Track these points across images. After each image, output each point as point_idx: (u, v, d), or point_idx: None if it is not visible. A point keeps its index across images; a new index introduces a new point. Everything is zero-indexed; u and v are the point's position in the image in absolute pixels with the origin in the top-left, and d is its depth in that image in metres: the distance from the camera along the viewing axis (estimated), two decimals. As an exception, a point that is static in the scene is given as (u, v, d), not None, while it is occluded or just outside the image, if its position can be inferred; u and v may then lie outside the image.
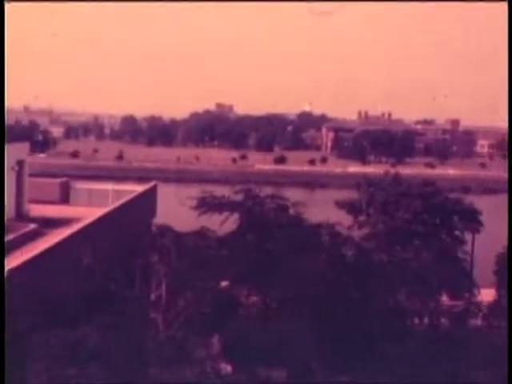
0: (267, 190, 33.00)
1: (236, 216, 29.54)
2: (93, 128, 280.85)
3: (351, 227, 34.38)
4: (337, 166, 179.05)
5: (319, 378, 25.78)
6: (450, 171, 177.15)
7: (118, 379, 19.42)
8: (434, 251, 33.14)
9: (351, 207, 36.67)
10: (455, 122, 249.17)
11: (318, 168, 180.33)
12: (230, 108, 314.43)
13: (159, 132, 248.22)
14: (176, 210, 35.07)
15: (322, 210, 37.13)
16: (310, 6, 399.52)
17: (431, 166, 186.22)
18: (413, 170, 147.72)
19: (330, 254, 28.57)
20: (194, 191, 31.99)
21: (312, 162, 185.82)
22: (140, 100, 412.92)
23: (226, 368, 26.43)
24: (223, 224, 29.53)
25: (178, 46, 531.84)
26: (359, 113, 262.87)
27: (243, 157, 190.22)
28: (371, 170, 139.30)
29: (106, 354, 19.39)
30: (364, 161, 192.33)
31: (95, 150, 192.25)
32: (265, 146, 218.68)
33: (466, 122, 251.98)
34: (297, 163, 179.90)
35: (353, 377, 25.84)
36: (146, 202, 34.95)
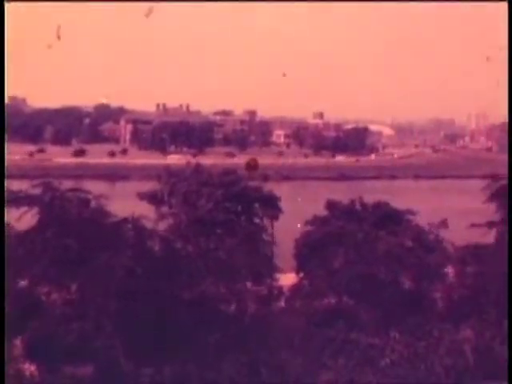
0: (68, 184, 32.02)
1: (35, 211, 28.48)
2: None
3: (156, 219, 34.19)
4: (138, 158, 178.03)
5: (127, 372, 25.53)
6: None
7: None
8: (237, 238, 33.61)
9: (153, 198, 36.58)
10: (252, 113, 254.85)
11: (119, 160, 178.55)
12: (24, 101, 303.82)
13: None
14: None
15: (124, 202, 36.62)
16: None
17: (231, 155, 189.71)
18: (213, 159, 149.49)
19: (134, 248, 28.27)
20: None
21: (112, 154, 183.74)
22: None
23: (30, 368, 25.61)
24: (20, 220, 28.37)
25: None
26: (157, 105, 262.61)
27: (40, 150, 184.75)
28: (173, 160, 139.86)
29: None
30: (164, 152, 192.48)
31: None
32: (62, 139, 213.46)
33: (262, 113, 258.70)
34: (97, 156, 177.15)
35: (162, 368, 25.80)
36: None
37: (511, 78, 28.74)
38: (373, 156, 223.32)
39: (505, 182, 34.30)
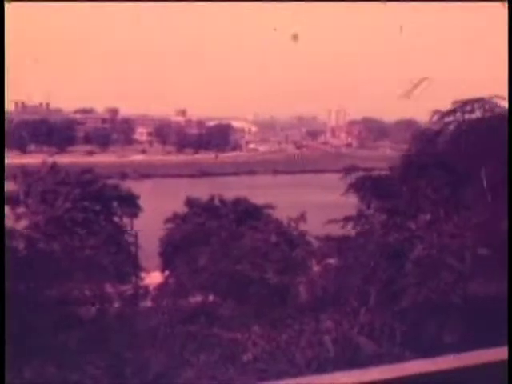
0: None
1: None
2: None
3: (13, 220, 33.46)
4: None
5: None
6: (110, 158, 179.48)
7: None
8: (98, 238, 33.27)
9: (9, 199, 35.71)
10: (114, 111, 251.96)
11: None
12: None
13: None
14: None
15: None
16: None
17: (91, 153, 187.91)
18: (73, 158, 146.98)
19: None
20: None
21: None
22: None
23: None
24: None
25: None
26: (16, 103, 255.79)
27: None
28: (32, 160, 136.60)
29: None
30: (24, 151, 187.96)
31: None
32: None
33: (124, 111, 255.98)
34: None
35: (22, 371, 25.10)
36: None
37: (511, 77, 29.38)
38: (234, 152, 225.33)
39: (361, 174, 35.00)
